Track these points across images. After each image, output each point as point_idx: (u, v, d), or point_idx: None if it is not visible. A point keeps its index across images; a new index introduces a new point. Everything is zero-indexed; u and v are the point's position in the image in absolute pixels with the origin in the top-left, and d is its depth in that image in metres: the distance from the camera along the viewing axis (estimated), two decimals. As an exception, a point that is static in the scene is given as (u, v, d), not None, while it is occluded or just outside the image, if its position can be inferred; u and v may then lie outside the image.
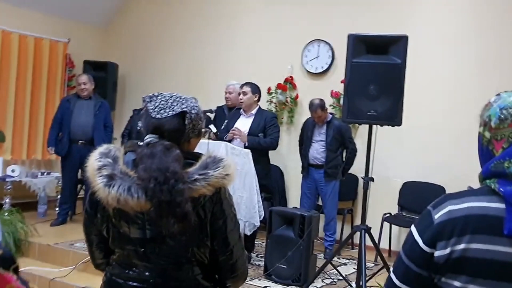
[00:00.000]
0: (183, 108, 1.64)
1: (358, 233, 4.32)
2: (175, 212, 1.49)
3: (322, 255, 5.44)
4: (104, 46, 7.94)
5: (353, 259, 5.36)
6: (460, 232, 1.24)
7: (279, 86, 6.45)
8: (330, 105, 5.97)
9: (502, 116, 1.30)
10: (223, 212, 1.62)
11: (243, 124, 5.14)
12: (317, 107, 5.43)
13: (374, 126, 4.25)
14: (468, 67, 5.53)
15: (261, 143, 5.05)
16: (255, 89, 5.23)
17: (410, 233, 1.35)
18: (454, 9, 5.71)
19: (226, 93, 5.77)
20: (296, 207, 5.46)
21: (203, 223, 1.59)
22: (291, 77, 6.46)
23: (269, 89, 6.46)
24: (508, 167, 1.24)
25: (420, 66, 5.45)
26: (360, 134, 5.85)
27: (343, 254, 5.62)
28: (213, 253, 1.65)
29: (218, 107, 5.80)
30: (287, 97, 6.44)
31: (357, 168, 5.52)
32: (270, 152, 5.54)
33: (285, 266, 4.49)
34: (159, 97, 1.67)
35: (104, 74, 7.34)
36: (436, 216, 1.29)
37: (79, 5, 7.32)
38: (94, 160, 1.58)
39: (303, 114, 6.19)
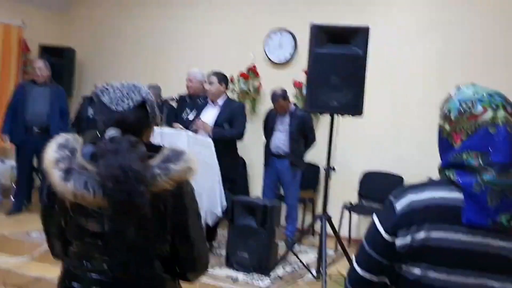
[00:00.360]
0: (143, 96, 1.60)
1: (319, 222, 4.39)
2: (132, 214, 1.46)
3: (284, 243, 5.48)
4: (61, 31, 7.71)
5: (314, 247, 5.42)
6: (421, 221, 1.27)
7: (241, 75, 6.42)
8: (293, 95, 5.99)
9: (461, 109, 1.33)
10: (185, 206, 1.59)
11: (210, 114, 5.06)
12: (279, 97, 5.44)
13: (336, 116, 4.30)
14: (429, 60, 5.65)
15: (226, 135, 4.98)
16: (222, 78, 5.13)
17: (372, 222, 1.38)
18: (414, 3, 5.81)
19: (187, 80, 5.69)
20: (258, 197, 5.47)
21: (164, 217, 1.56)
22: (254, 66, 6.44)
23: (231, 78, 6.40)
24: (466, 159, 1.27)
25: (381, 58, 5.53)
26: (322, 124, 5.91)
27: (304, 242, 5.68)
28: (174, 246, 1.63)
29: (180, 95, 5.74)
30: (249, 87, 6.42)
31: (319, 158, 5.58)
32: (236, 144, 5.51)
33: (247, 255, 4.50)
34: (112, 88, 1.61)
35: (61, 60, 7.13)
36: (397, 206, 1.32)
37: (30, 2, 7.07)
38: (51, 152, 1.52)
39: (266, 103, 6.19)
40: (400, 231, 1.30)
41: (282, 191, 5.77)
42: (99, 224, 1.54)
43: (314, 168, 6.02)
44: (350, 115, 4.21)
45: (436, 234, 1.26)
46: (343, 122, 4.59)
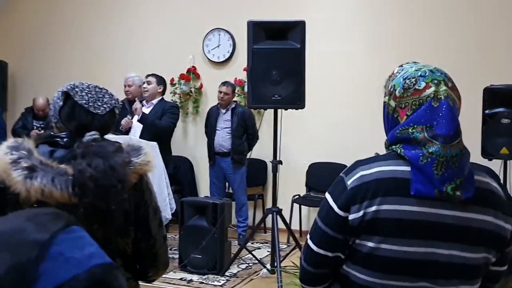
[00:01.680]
0: (115, 100, 1.66)
1: (270, 217, 4.42)
2: (103, 219, 1.45)
3: (237, 241, 5.49)
4: (-11, 43, 7.37)
5: (266, 243, 5.47)
6: (372, 195, 1.31)
7: (182, 76, 6.38)
8: (235, 93, 6.01)
9: (405, 86, 1.37)
10: (146, 200, 1.60)
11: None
12: (227, 84, 5.57)
13: (279, 111, 4.35)
14: (362, 48, 5.81)
15: (156, 123, 5.08)
16: (161, 81, 5.30)
17: (325, 200, 1.40)
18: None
19: (125, 86, 5.61)
20: (207, 196, 5.45)
21: (128, 212, 1.55)
22: (193, 67, 6.41)
23: (171, 80, 6.36)
24: (412, 133, 1.32)
25: (320, 50, 5.64)
26: (265, 119, 5.94)
27: (257, 239, 5.72)
28: (135, 242, 1.62)
29: (122, 100, 5.64)
30: (191, 87, 6.39)
31: (264, 153, 5.62)
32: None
33: (200, 256, 4.47)
34: (84, 89, 1.61)
35: (-9, 74, 6.83)
36: (348, 182, 1.35)
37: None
38: (3, 155, 1.47)
39: (208, 103, 6.17)
40: (352, 207, 1.33)
41: (229, 189, 5.78)
42: None
43: (261, 164, 6.06)
44: (293, 109, 4.27)
45: (387, 207, 1.30)
46: (287, 116, 4.65)
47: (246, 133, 5.56)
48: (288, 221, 5.06)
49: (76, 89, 1.60)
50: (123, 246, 1.59)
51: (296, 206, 5.82)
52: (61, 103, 1.61)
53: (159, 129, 5.08)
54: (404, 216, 1.30)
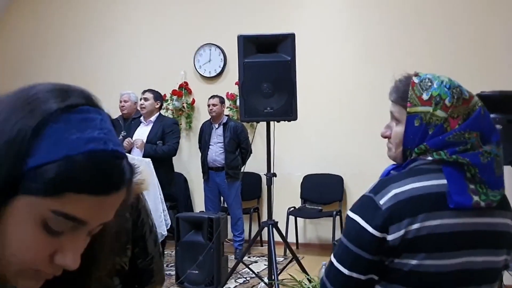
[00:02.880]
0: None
1: (266, 230, 4.40)
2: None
3: (233, 256, 5.46)
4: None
5: (263, 256, 5.44)
6: (412, 212, 1.29)
7: (174, 92, 6.39)
8: (227, 107, 6.02)
9: (455, 96, 1.36)
10: (142, 219, 1.61)
11: (142, 132, 5.06)
12: (214, 96, 5.58)
13: (271, 123, 4.36)
14: (355, 58, 5.86)
15: (158, 151, 5.00)
16: (158, 96, 5.24)
17: (353, 221, 1.35)
18: (335, 7, 6.03)
19: (121, 101, 5.61)
20: (202, 211, 5.44)
21: (125, 231, 1.55)
22: (185, 82, 6.43)
23: (164, 96, 6.35)
24: (469, 138, 1.32)
25: (311, 62, 5.68)
26: (259, 132, 5.95)
27: (254, 253, 5.69)
28: (132, 260, 1.62)
29: (113, 119, 5.62)
30: (183, 103, 6.40)
31: (258, 166, 5.61)
32: (172, 159, 5.47)
33: (197, 271, 4.45)
34: None
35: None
36: (381, 202, 1.31)
37: None
38: None
39: (201, 118, 6.19)
40: (391, 227, 1.29)
41: (224, 204, 5.77)
42: None
43: (255, 177, 6.06)
44: (285, 120, 4.28)
45: (429, 223, 1.29)
46: (280, 128, 4.65)
47: (239, 147, 5.57)
48: (284, 234, 5.04)
49: None
50: (120, 264, 1.58)
51: (291, 218, 5.80)
52: None
53: (164, 155, 5.06)
54: (446, 229, 1.30)
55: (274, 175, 4.33)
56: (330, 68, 5.93)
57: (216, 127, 5.62)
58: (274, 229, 4.34)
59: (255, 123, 5.68)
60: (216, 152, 5.54)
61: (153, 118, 5.15)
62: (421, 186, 1.33)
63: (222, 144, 5.52)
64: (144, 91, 5.26)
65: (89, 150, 0.60)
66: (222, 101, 5.70)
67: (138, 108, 5.25)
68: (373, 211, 1.32)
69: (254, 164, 5.75)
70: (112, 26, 6.83)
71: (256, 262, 5.36)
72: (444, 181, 1.31)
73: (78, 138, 0.60)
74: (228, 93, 6.13)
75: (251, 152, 5.64)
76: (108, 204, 0.63)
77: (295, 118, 4.22)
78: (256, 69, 4.18)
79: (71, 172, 0.59)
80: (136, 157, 4.64)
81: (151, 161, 4.67)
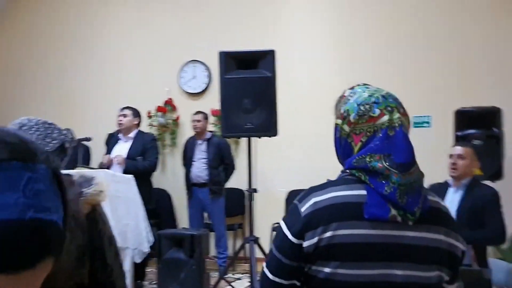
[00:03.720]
0: (63, 134, 1.66)
1: (248, 246, 4.38)
2: (57, 258, 1.43)
3: (217, 273, 5.42)
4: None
5: (247, 273, 5.40)
6: (326, 221, 1.31)
7: (158, 109, 6.40)
8: (212, 123, 6.03)
9: (360, 112, 1.38)
10: (100, 230, 1.58)
11: (122, 148, 5.06)
12: (198, 112, 5.62)
13: (252, 139, 4.37)
14: (335, 75, 5.91)
15: (139, 167, 5.00)
16: (136, 113, 5.30)
17: (280, 228, 1.39)
18: (318, 21, 6.11)
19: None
20: (184, 228, 5.41)
21: (82, 243, 1.53)
22: (170, 99, 6.45)
23: (148, 112, 6.38)
24: (369, 161, 1.32)
25: (293, 77, 5.73)
26: (243, 149, 5.97)
27: (238, 270, 5.65)
28: (92, 273, 1.59)
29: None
30: (168, 120, 6.40)
31: (242, 182, 5.60)
32: (156, 176, 5.45)
33: (178, 289, 4.40)
34: (28, 126, 1.60)
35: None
36: (302, 209, 1.34)
37: None
38: None
39: (186, 135, 6.18)
40: (306, 234, 1.32)
41: (209, 220, 5.74)
42: None
43: (239, 193, 6.04)
44: (266, 136, 4.29)
45: (342, 231, 1.30)
46: (264, 144, 4.67)
47: (223, 163, 5.56)
48: (267, 250, 5.01)
49: (24, 128, 1.60)
50: (79, 278, 1.56)
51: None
52: None
53: (145, 170, 5.07)
54: (359, 239, 1.30)
55: (255, 190, 4.33)
56: (312, 83, 5.98)
57: (200, 143, 5.62)
58: (256, 245, 4.33)
59: (239, 139, 5.70)
60: (200, 168, 5.54)
61: (132, 135, 5.18)
62: (340, 195, 1.34)
63: (206, 160, 5.52)
64: (123, 108, 5.29)
65: None
66: (205, 117, 5.71)
67: (116, 125, 5.25)
68: (294, 218, 1.36)
69: (238, 180, 5.75)
70: (97, 43, 6.84)
71: (239, 279, 5.32)
72: (365, 192, 1.32)
73: None
74: (212, 109, 6.14)
75: (234, 168, 5.63)
76: (22, 281, 0.54)
77: (275, 134, 4.23)
78: (237, 85, 4.21)
79: None
80: (117, 174, 4.63)
81: (133, 178, 4.66)
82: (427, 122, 5.77)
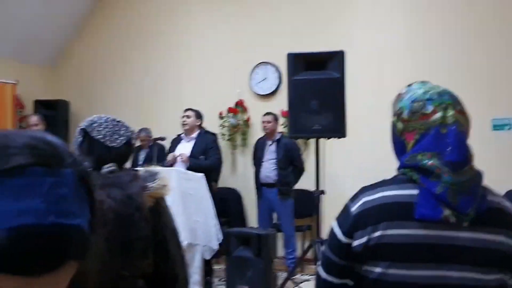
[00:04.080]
0: (129, 131, 1.74)
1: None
2: (124, 246, 1.52)
3: (285, 273, 5.44)
4: (53, 85, 7.87)
5: (315, 275, 5.38)
6: (375, 220, 1.30)
7: (230, 110, 6.53)
8: (281, 125, 6.07)
9: (413, 109, 1.36)
10: (163, 222, 1.67)
11: (184, 148, 5.22)
12: (268, 113, 5.68)
13: (321, 140, 4.35)
14: (407, 76, 5.74)
15: (202, 165, 5.10)
16: (198, 115, 5.43)
17: (331, 227, 1.41)
18: (388, 22, 5.98)
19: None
20: (252, 227, 5.48)
21: (145, 234, 1.62)
22: (241, 100, 6.56)
23: (220, 113, 6.53)
24: (421, 160, 1.30)
25: (363, 79, 5.65)
26: (312, 150, 5.95)
27: (306, 271, 5.64)
28: (155, 264, 1.68)
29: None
30: (239, 120, 6.52)
31: (312, 184, 5.59)
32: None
33: (246, 287, 4.47)
34: (98, 123, 1.71)
35: (55, 113, 7.26)
36: (352, 209, 1.35)
37: (25, 47, 7.26)
38: None
39: (256, 135, 6.27)
40: (356, 233, 1.32)
41: (278, 220, 5.78)
42: None
43: (309, 195, 6.00)
44: (334, 137, 4.26)
45: (391, 231, 1.29)
46: (334, 146, 4.63)
47: (292, 164, 5.58)
48: (336, 252, 4.97)
49: (94, 125, 1.71)
50: (144, 267, 1.65)
51: (345, 237, 5.71)
52: (80, 139, 1.73)
53: (208, 169, 5.14)
54: (410, 240, 1.28)
55: (322, 192, 4.31)
56: (382, 84, 5.85)
57: (270, 143, 5.67)
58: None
59: (309, 141, 5.70)
60: (269, 169, 5.59)
61: (194, 135, 5.31)
62: (390, 195, 1.32)
63: (275, 160, 5.56)
64: (186, 109, 5.43)
65: (16, 225, 0.52)
66: (276, 118, 5.76)
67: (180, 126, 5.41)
68: (345, 218, 1.36)
69: (308, 182, 5.74)
70: (171, 46, 7.09)
71: (308, 280, 5.31)
72: (416, 192, 1.29)
73: (8, 210, 0.52)
74: (282, 110, 6.18)
75: (303, 169, 5.63)
76: (44, 283, 0.55)
77: (343, 135, 4.19)
78: (305, 86, 4.21)
79: None
80: (188, 172, 4.76)
81: (204, 176, 4.80)
82: (508, 125, 5.48)
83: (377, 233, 1.29)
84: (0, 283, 0.52)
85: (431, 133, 1.32)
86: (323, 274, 1.40)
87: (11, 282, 0.52)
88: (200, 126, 5.47)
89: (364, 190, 1.38)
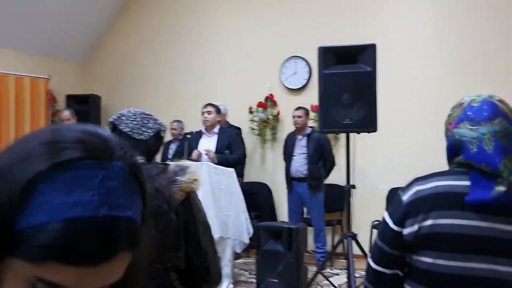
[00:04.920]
0: (158, 123, 1.75)
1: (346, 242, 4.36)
2: (154, 239, 1.54)
3: (315, 267, 5.44)
4: (85, 80, 8.03)
5: (345, 269, 5.36)
6: (428, 209, 1.30)
7: (259, 104, 6.54)
8: (312, 119, 6.05)
9: (453, 106, 1.46)
10: (194, 216, 1.68)
11: (207, 143, 5.15)
12: (300, 108, 5.66)
13: (351, 135, 4.33)
14: (441, 71, 5.67)
15: (229, 159, 5.07)
16: (218, 110, 5.36)
17: (383, 218, 1.42)
18: (420, 16, 5.88)
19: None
20: (283, 221, 5.49)
21: (177, 228, 1.64)
22: (271, 95, 6.56)
23: (250, 108, 6.55)
24: (457, 132, 1.37)
25: (395, 72, 5.58)
26: (342, 144, 5.92)
27: (336, 265, 5.64)
28: (187, 257, 1.70)
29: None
30: (268, 115, 6.53)
31: (342, 178, 5.57)
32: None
33: (276, 280, 4.50)
34: (128, 117, 1.73)
35: (87, 107, 7.40)
36: (404, 198, 1.36)
37: (58, 42, 7.43)
38: None
39: (285, 130, 6.27)
40: (407, 221, 1.33)
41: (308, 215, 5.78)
42: None
43: (339, 189, 5.98)
44: (365, 132, 4.23)
45: (443, 221, 1.28)
46: (365, 140, 4.60)
47: (322, 159, 5.57)
48: (368, 248, 4.95)
49: (122, 118, 1.73)
50: (176, 261, 1.67)
51: (376, 232, 5.68)
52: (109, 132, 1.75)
53: (235, 163, 5.13)
54: (462, 230, 1.27)
55: (353, 187, 4.28)
56: (413, 79, 5.78)
57: (300, 138, 5.67)
58: (353, 241, 4.30)
59: (339, 135, 5.67)
60: (300, 163, 5.59)
61: (216, 130, 5.26)
62: (444, 185, 1.32)
63: (306, 155, 5.56)
64: (206, 105, 5.34)
65: (70, 217, 0.54)
66: (307, 113, 5.74)
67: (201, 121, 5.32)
68: (397, 207, 1.37)
69: (338, 176, 5.72)
70: (201, 42, 7.14)
71: (338, 274, 5.31)
72: (469, 183, 1.29)
73: (61, 202, 0.54)
74: (312, 105, 6.15)
75: (334, 164, 5.61)
76: (100, 272, 0.56)
77: (375, 130, 4.16)
78: (336, 80, 4.18)
79: (47, 240, 0.53)
80: (219, 166, 4.77)
81: (234, 171, 4.83)
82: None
83: (428, 222, 1.29)
84: (59, 273, 0.54)
85: (464, 110, 1.39)
86: (373, 265, 1.41)
87: (69, 272, 0.54)
88: (220, 122, 5.40)
89: (417, 180, 1.39)
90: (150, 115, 1.77)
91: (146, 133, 1.71)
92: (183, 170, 1.67)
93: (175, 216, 1.62)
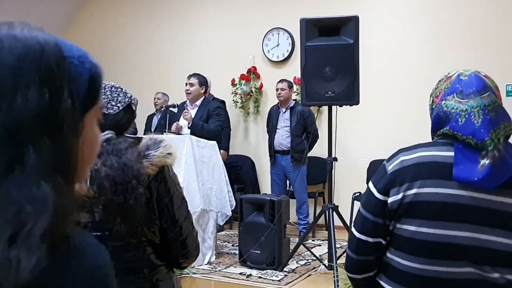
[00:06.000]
0: (129, 97, 1.71)
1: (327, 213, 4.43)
2: (124, 214, 1.53)
3: (298, 239, 5.52)
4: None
5: (327, 240, 5.45)
6: (412, 178, 1.33)
7: (242, 77, 6.51)
8: (295, 92, 6.05)
9: (440, 79, 1.48)
10: (168, 190, 1.65)
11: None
12: (283, 80, 5.64)
13: (333, 107, 4.34)
14: (421, 43, 5.68)
15: (204, 128, 5.02)
16: (203, 81, 5.25)
17: (367, 187, 1.43)
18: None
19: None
20: (265, 194, 5.53)
21: (150, 202, 1.62)
22: (253, 67, 6.53)
23: (233, 80, 6.51)
24: (445, 104, 1.38)
25: (376, 45, 5.58)
26: (325, 117, 5.94)
27: (318, 236, 5.72)
28: (163, 231, 1.69)
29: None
30: (251, 87, 6.50)
31: (324, 151, 5.61)
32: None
33: (259, 251, 4.55)
34: None
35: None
36: (389, 167, 1.38)
37: (32, 13, 7.24)
38: None
39: (269, 103, 6.26)
40: (392, 190, 1.35)
41: (290, 187, 5.83)
42: (89, 213, 1.58)
43: (321, 161, 6.04)
44: (347, 105, 4.25)
45: (427, 190, 1.31)
46: (347, 113, 4.63)
47: (306, 132, 5.59)
48: (348, 219, 5.03)
49: None
50: (150, 235, 1.67)
51: (357, 203, 5.76)
52: None
53: (209, 134, 5.00)
54: (445, 199, 1.30)
55: (335, 159, 4.33)
56: (396, 51, 5.78)
57: (284, 111, 5.67)
58: (335, 213, 4.36)
59: (321, 108, 5.68)
60: (283, 136, 5.61)
61: (198, 102, 5.21)
62: (428, 155, 1.35)
63: (289, 128, 5.58)
64: (190, 76, 5.24)
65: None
66: (290, 86, 5.73)
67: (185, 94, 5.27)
68: (381, 176, 1.39)
69: (320, 149, 5.76)
70: (183, 11, 7.03)
71: (319, 245, 5.39)
72: (453, 153, 1.31)
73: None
74: (295, 77, 6.14)
75: (317, 137, 5.63)
76: None
77: (357, 103, 4.18)
78: (318, 53, 4.18)
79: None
80: (201, 139, 4.76)
81: (216, 144, 4.83)
82: (523, 91, 5.41)
83: (413, 191, 1.31)
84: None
85: (452, 82, 1.40)
86: (357, 234, 1.43)
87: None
88: (204, 93, 5.31)
89: (402, 150, 1.41)
90: (120, 88, 1.72)
91: (116, 107, 1.67)
92: (156, 143, 1.62)
93: (147, 190, 1.60)
